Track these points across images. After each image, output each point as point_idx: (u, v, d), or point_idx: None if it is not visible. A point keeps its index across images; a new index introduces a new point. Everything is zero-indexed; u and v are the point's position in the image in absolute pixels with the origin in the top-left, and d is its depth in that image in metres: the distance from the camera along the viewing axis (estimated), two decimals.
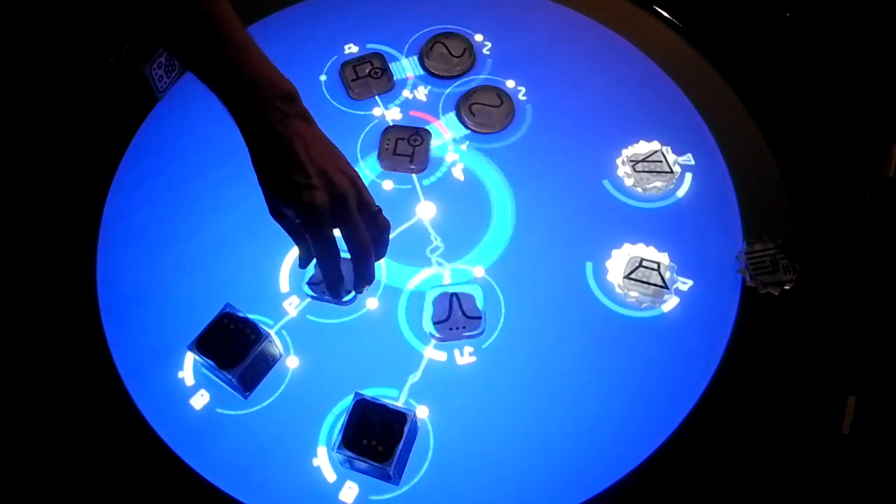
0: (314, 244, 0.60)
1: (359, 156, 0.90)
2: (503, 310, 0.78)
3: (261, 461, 0.70)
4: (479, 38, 1.00)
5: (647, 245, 0.81)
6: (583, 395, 0.73)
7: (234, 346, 0.71)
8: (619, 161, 0.88)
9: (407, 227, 0.84)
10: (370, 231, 0.62)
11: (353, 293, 0.76)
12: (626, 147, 0.89)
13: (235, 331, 0.71)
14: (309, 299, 0.78)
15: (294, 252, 0.80)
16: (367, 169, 0.88)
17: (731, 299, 0.79)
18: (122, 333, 0.77)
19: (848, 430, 0.67)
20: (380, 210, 0.63)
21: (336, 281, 0.64)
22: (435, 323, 0.76)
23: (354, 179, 0.61)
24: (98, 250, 0.83)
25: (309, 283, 0.77)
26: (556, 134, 0.91)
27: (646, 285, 0.78)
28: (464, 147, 0.91)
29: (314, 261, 0.65)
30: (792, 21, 1.00)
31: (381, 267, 0.81)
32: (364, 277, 0.64)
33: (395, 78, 0.96)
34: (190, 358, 0.75)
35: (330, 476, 0.69)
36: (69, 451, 0.72)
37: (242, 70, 0.56)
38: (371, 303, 0.79)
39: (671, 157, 0.87)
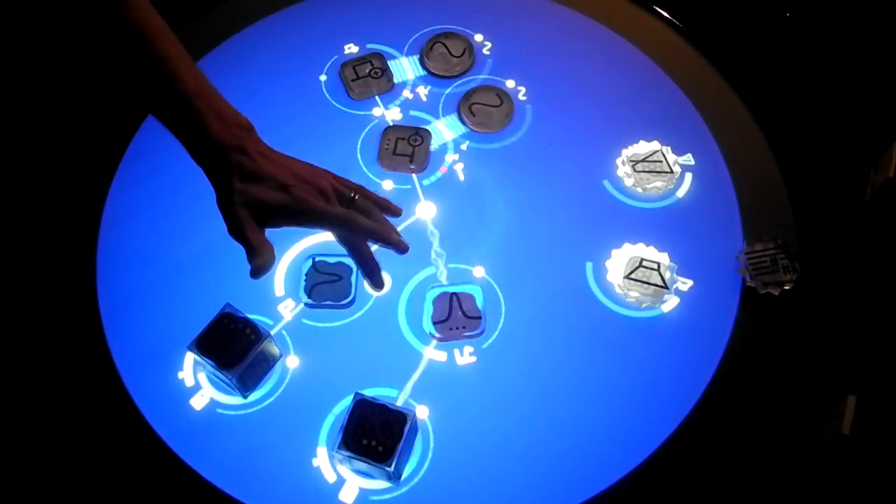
0: (329, 225, 0.60)
1: (359, 156, 0.90)
2: (503, 310, 0.78)
3: (261, 461, 0.70)
4: (479, 38, 1.00)
5: (647, 245, 0.81)
6: (582, 395, 0.73)
7: (234, 346, 0.70)
8: (619, 161, 0.88)
9: (407, 226, 0.84)
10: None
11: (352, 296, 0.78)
12: (626, 147, 0.88)
13: (235, 331, 0.71)
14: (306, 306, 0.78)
15: (289, 256, 0.81)
16: (367, 169, 0.89)
17: (731, 299, 0.79)
18: (122, 333, 0.77)
19: (848, 430, 0.67)
20: (355, 195, 0.62)
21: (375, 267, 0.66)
22: (435, 323, 0.76)
23: (327, 171, 0.62)
24: (98, 250, 0.83)
25: (307, 293, 0.78)
26: (556, 134, 0.91)
27: (646, 285, 0.78)
28: (464, 147, 0.91)
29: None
30: (792, 21, 1.00)
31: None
32: (371, 269, 0.66)
33: (395, 78, 0.96)
34: (190, 358, 0.75)
35: (330, 476, 0.69)
36: (69, 452, 0.72)
37: (199, 104, 0.55)
38: (371, 303, 0.79)
39: (671, 157, 0.87)
